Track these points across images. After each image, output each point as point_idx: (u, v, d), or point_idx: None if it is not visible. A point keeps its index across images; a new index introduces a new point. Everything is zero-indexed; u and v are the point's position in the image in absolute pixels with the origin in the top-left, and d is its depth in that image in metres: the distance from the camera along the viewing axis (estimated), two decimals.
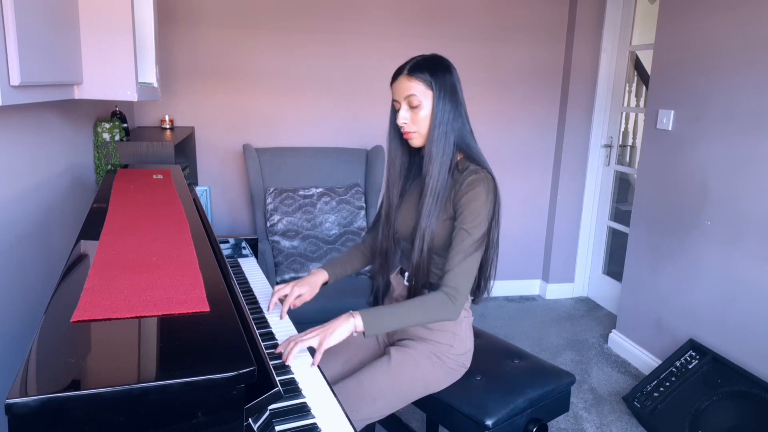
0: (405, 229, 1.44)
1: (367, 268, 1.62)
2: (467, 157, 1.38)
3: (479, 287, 1.46)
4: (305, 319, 1.62)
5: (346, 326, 1.22)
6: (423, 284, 1.38)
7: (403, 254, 1.50)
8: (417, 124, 1.33)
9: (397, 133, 1.39)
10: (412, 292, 1.40)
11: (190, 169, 2.90)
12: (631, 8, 3.13)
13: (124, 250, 0.98)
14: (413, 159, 1.46)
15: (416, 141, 1.36)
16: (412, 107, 1.32)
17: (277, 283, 2.54)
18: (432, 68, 1.31)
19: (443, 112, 1.31)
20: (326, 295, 1.59)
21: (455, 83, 1.33)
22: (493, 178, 1.34)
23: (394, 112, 1.37)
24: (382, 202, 1.50)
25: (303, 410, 1.01)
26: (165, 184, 1.55)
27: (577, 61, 3.22)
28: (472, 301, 1.47)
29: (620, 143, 3.38)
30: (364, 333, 1.23)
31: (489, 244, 1.39)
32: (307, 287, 1.46)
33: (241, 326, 0.75)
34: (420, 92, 1.30)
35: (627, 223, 2.92)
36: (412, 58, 1.34)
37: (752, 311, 2.08)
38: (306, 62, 2.98)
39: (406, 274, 1.45)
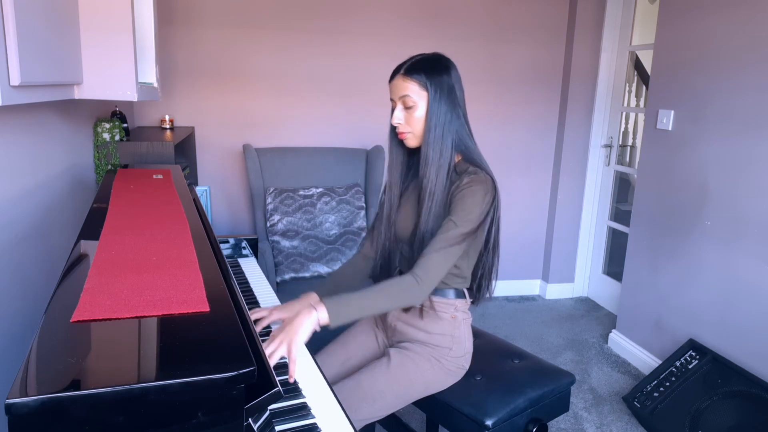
0: (404, 232, 1.41)
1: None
2: (466, 159, 1.35)
3: (480, 289, 1.45)
4: None
5: (309, 321, 1.13)
6: None
7: (402, 256, 1.46)
8: (411, 125, 1.31)
9: (396, 132, 1.38)
10: None
11: (190, 169, 2.90)
12: (631, 8, 3.13)
13: (124, 250, 0.98)
14: (412, 159, 1.43)
15: (411, 141, 1.34)
16: (406, 107, 1.30)
17: (278, 283, 2.54)
18: (429, 68, 1.28)
19: (438, 114, 1.28)
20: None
21: (453, 84, 1.30)
22: (493, 180, 1.32)
23: (393, 111, 1.35)
24: (381, 204, 1.48)
25: (303, 410, 1.01)
26: (165, 184, 1.55)
27: (577, 61, 3.22)
28: (472, 302, 1.47)
29: (620, 143, 3.38)
30: (328, 325, 1.17)
31: (490, 246, 1.37)
32: (288, 314, 1.27)
33: (241, 326, 0.75)
34: (415, 93, 1.28)
35: (627, 223, 2.92)
36: (412, 57, 1.32)
37: (752, 311, 2.08)
38: (306, 62, 2.98)
39: None
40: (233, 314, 0.78)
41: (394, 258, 1.47)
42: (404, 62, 1.32)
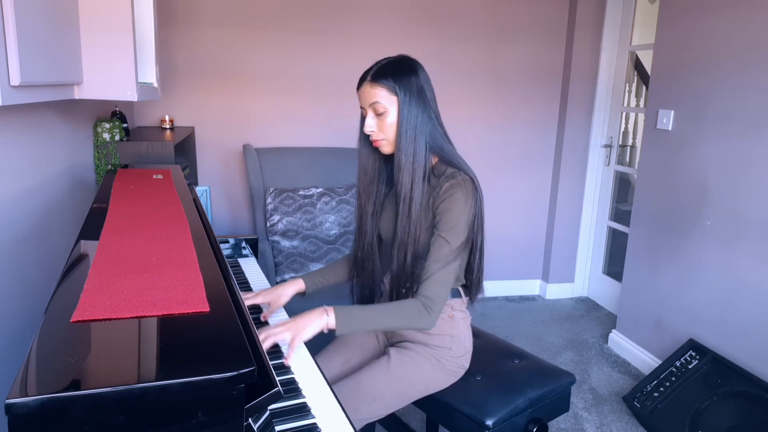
0: (387, 236, 1.42)
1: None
2: (443, 161, 1.34)
3: (472, 286, 1.45)
4: None
5: (319, 322, 1.21)
6: (407, 289, 1.36)
7: (387, 257, 1.45)
8: (384, 131, 1.30)
9: (366, 140, 1.35)
10: (395, 297, 1.38)
11: (190, 169, 2.90)
12: (631, 8, 3.13)
13: (124, 250, 0.98)
14: (389, 164, 1.41)
15: (386, 148, 1.33)
16: (377, 114, 1.28)
17: (277, 283, 2.54)
18: (396, 72, 1.27)
19: (410, 117, 1.27)
20: (326, 295, 1.58)
21: (422, 85, 1.29)
22: (473, 180, 1.30)
23: (363, 119, 1.33)
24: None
25: (303, 410, 1.01)
26: (165, 184, 1.55)
27: (577, 61, 3.22)
28: (469, 300, 1.47)
29: (620, 143, 3.38)
30: (335, 331, 1.22)
31: (473, 247, 1.36)
32: (272, 297, 1.43)
33: (241, 326, 0.75)
34: (384, 98, 1.27)
35: (627, 223, 2.92)
36: (376, 63, 1.31)
37: (752, 311, 2.08)
38: (306, 62, 2.98)
39: None
40: (233, 314, 0.78)
41: (369, 264, 1.47)
42: (370, 68, 1.30)
